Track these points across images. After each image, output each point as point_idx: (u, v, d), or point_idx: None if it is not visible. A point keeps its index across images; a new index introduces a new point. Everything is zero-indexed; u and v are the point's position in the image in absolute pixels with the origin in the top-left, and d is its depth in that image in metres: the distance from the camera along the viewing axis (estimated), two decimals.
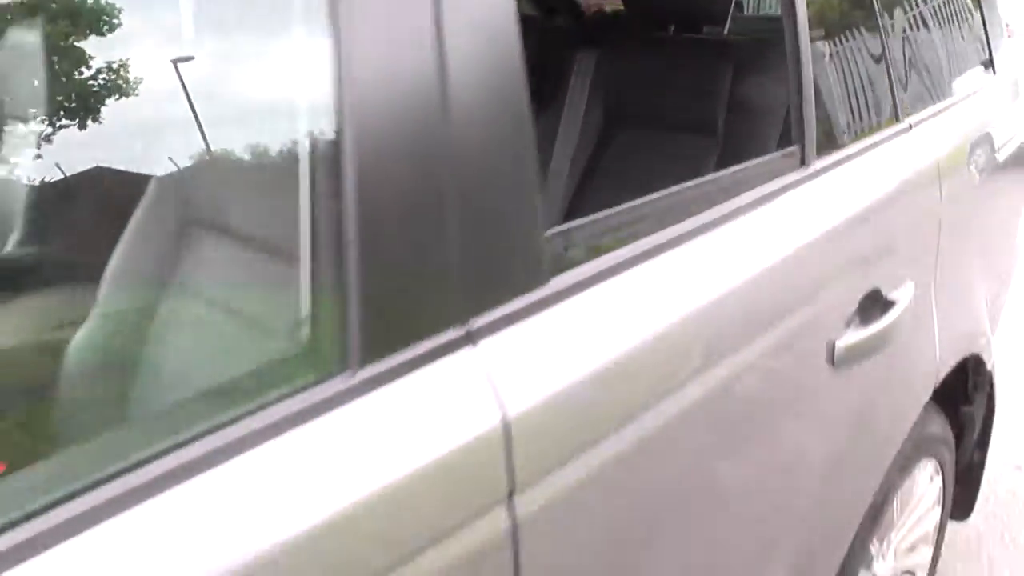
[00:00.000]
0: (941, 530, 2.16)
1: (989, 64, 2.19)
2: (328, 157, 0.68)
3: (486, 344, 0.76)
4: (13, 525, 0.52)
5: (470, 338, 0.76)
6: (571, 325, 0.84)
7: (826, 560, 1.47)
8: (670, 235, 0.99)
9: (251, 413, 0.64)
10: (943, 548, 2.37)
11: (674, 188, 1.02)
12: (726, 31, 1.90)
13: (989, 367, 1.98)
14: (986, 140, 1.90)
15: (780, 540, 1.29)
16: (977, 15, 2.18)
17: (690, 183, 1.06)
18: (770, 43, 1.67)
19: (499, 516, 0.75)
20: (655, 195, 0.99)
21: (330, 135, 0.67)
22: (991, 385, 2.05)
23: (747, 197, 1.13)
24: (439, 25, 0.72)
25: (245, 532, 0.60)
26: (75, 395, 0.68)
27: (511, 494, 0.76)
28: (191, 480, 0.59)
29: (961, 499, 2.23)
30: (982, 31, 2.19)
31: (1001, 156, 2.00)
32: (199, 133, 0.72)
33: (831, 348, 1.23)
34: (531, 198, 0.81)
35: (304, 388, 0.67)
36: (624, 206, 0.95)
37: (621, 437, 0.86)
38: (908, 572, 2.06)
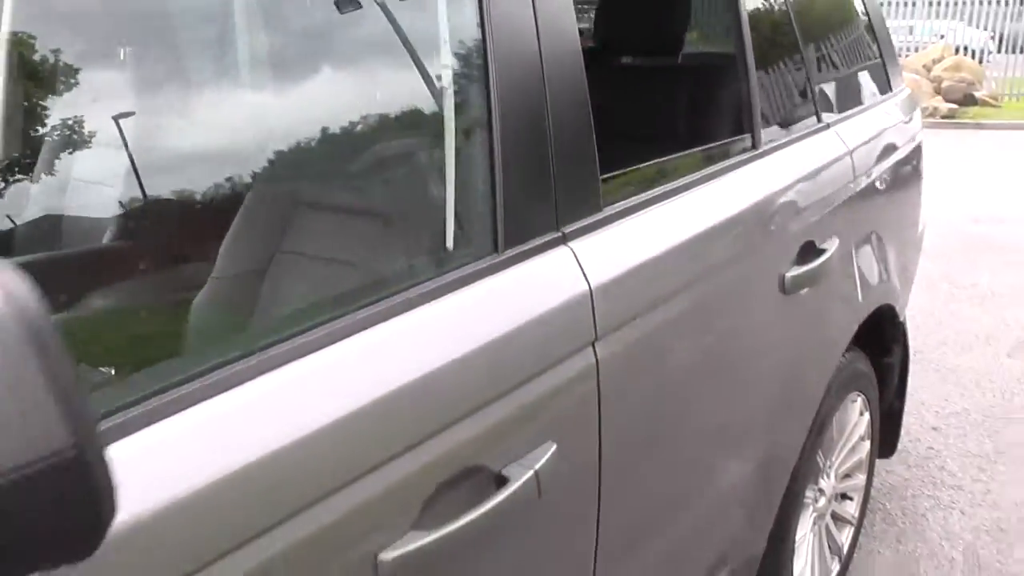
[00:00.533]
0: (871, 464, 2.61)
1: (886, 84, 2.70)
2: (482, 117, 1.09)
3: (573, 243, 1.18)
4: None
5: (564, 238, 1.17)
6: (618, 237, 1.26)
7: (774, 479, 1.90)
8: (669, 188, 1.42)
9: (440, 275, 1.03)
10: (873, 490, 2.83)
11: (671, 156, 1.46)
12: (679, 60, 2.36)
13: (901, 319, 2.45)
14: (884, 141, 2.39)
15: (754, 416, 1.72)
16: (876, 47, 2.69)
17: (680, 154, 1.50)
18: (714, 67, 2.12)
19: (588, 355, 1.16)
20: (661, 159, 1.42)
21: (484, 103, 1.09)
22: (905, 338, 2.52)
23: (719, 166, 1.57)
24: (538, 31, 1.14)
25: (438, 346, 0.99)
26: None
27: (595, 340, 1.17)
28: (407, 314, 0.98)
29: (885, 439, 2.68)
30: (880, 59, 2.70)
31: (897, 156, 2.50)
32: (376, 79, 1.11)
33: (782, 279, 1.67)
34: (593, 154, 1.24)
35: (472, 261, 1.07)
36: (642, 165, 1.38)
37: (656, 313, 1.28)
38: (846, 497, 2.50)
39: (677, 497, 1.49)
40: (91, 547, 0.51)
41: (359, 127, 1.09)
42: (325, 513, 0.84)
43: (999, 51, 17.38)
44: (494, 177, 1.08)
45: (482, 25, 1.09)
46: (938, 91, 14.36)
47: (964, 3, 16.97)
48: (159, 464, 0.73)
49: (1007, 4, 16.71)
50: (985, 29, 17.37)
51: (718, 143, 1.65)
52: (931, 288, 5.10)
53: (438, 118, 1.12)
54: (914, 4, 17.18)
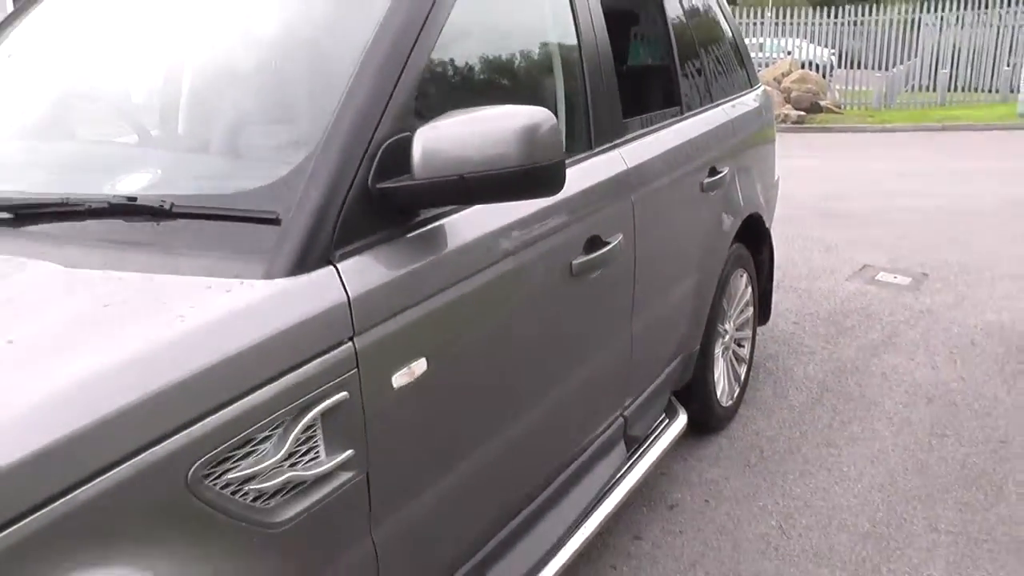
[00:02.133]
0: (755, 325, 4.05)
1: (747, 82, 4.15)
2: (582, 83, 2.43)
3: (619, 149, 2.54)
4: None
5: (616, 146, 2.53)
6: (633, 147, 2.62)
7: (703, 301, 3.29)
8: (645, 129, 2.80)
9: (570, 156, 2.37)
10: (756, 357, 4.27)
11: (642, 115, 2.84)
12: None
13: (768, 227, 3.90)
14: (749, 114, 3.83)
15: (693, 257, 3.11)
16: (741, 57, 4.12)
17: (646, 114, 2.88)
18: (657, 71, 3.49)
19: (628, 199, 2.51)
20: (640, 116, 2.80)
21: (581, 76, 2.43)
22: (770, 241, 3.98)
23: (665, 121, 2.96)
24: (595, 34, 2.50)
25: (576, 184, 2.32)
26: None
27: (632, 193, 2.52)
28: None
29: (763, 311, 4.13)
30: (743, 65, 4.14)
31: (757, 125, 3.95)
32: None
33: (702, 183, 3.08)
34: (619, 105, 2.59)
35: (582, 151, 2.40)
36: (630, 119, 2.75)
37: (654, 184, 2.65)
38: (740, 343, 3.92)
39: (663, 289, 2.85)
40: (558, 190, 1.77)
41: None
42: (559, 239, 2.14)
43: (839, 66, 19.70)
44: (589, 115, 2.43)
45: (576, 25, 2.43)
46: (788, 100, 16.39)
47: (808, 23, 19.15)
48: None
49: (846, 24, 18.98)
50: (827, 46, 19.66)
51: (662, 110, 3.05)
52: (790, 242, 6.69)
53: (558, 82, 2.45)
54: (763, 23, 19.28)
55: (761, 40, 19.43)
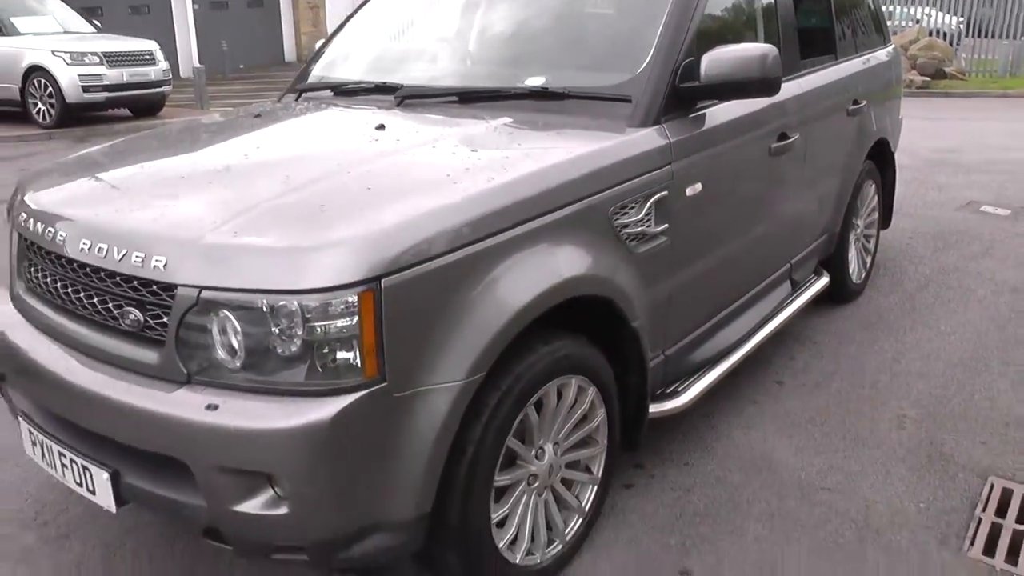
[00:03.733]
0: (878, 227, 5.28)
1: (883, 39, 5.34)
2: (777, 33, 3.75)
3: (798, 79, 3.84)
4: None
5: (796, 77, 3.83)
6: (807, 79, 3.91)
7: (844, 196, 4.56)
8: (815, 67, 4.08)
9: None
10: (878, 258, 5.50)
11: (812, 58, 4.12)
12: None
13: (893, 151, 5.13)
14: (883, 63, 5.05)
15: (839, 161, 4.39)
16: (878, 18, 5.31)
17: (814, 57, 4.16)
18: (817, 26, 4.74)
19: (795, 121, 3.82)
20: (811, 58, 4.09)
21: (776, 24, 3.75)
22: (894, 162, 5.20)
23: (825, 64, 4.24)
24: None
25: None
26: None
27: (802, 115, 3.83)
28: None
29: (884, 218, 5.36)
30: (881, 25, 5.33)
31: (889, 73, 5.16)
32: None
33: (847, 109, 4.34)
34: (798, 46, 3.89)
35: (788, 73, 3.72)
36: (807, 60, 4.04)
37: (822, 102, 3.95)
38: (867, 239, 5.16)
39: (819, 179, 4.13)
40: (776, 93, 3.09)
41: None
42: (765, 130, 3.46)
43: (968, 34, 20.06)
44: (780, 55, 3.73)
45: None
46: (914, 67, 17.08)
47: None
48: None
49: None
50: (955, 14, 20.04)
51: (823, 55, 4.31)
52: (907, 184, 7.82)
53: (760, 31, 3.76)
54: None
55: (890, 8, 19.93)
